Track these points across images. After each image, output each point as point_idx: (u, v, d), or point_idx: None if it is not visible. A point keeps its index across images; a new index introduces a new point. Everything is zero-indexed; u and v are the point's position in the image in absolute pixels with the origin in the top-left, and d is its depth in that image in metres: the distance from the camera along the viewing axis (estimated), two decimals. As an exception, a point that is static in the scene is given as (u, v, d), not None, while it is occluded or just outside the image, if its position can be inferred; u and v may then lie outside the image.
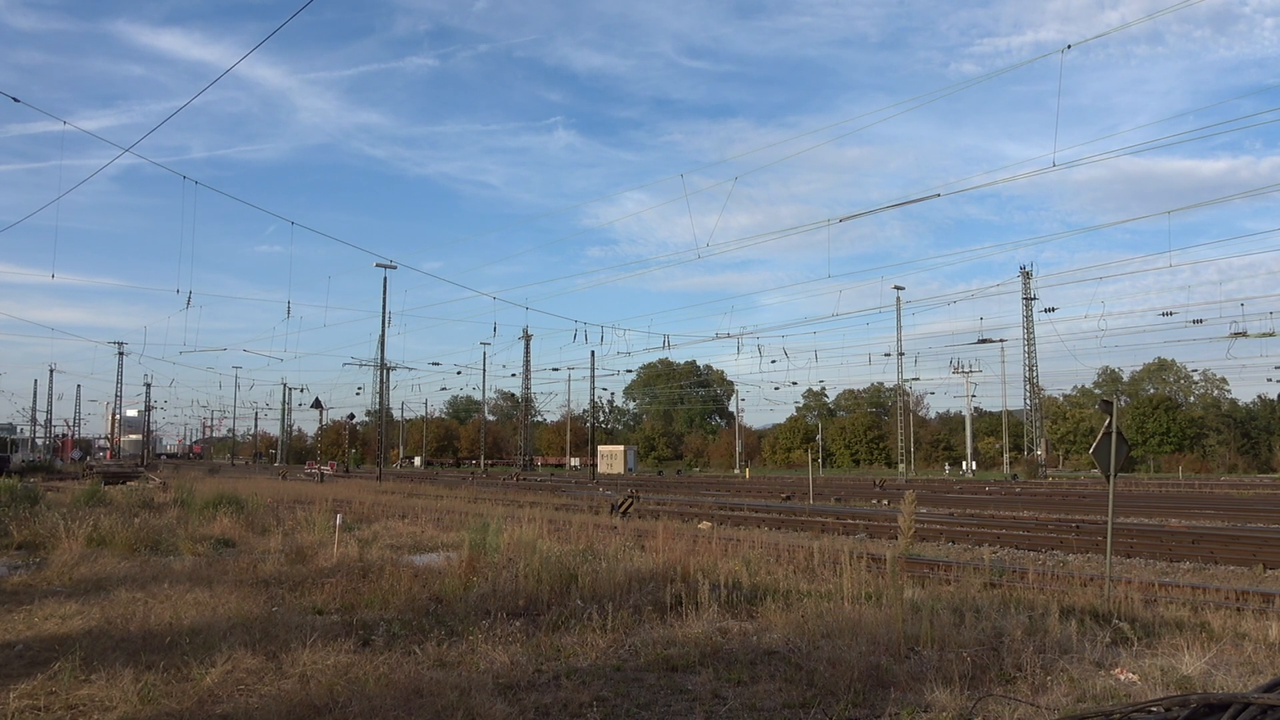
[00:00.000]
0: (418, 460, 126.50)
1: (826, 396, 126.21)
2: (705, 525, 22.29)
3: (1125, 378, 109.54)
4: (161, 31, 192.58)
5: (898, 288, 71.16)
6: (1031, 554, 18.55)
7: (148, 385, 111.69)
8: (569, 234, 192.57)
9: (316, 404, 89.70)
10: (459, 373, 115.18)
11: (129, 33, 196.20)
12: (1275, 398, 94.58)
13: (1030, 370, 75.98)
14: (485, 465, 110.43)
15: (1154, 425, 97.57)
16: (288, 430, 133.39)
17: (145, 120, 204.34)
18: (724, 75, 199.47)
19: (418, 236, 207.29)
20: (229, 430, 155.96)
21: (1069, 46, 22.36)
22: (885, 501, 37.14)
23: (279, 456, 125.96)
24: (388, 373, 71.43)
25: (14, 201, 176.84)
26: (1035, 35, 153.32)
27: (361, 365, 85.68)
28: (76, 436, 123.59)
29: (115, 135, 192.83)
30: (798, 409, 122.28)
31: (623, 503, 27.91)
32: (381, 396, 69.95)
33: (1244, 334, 55.02)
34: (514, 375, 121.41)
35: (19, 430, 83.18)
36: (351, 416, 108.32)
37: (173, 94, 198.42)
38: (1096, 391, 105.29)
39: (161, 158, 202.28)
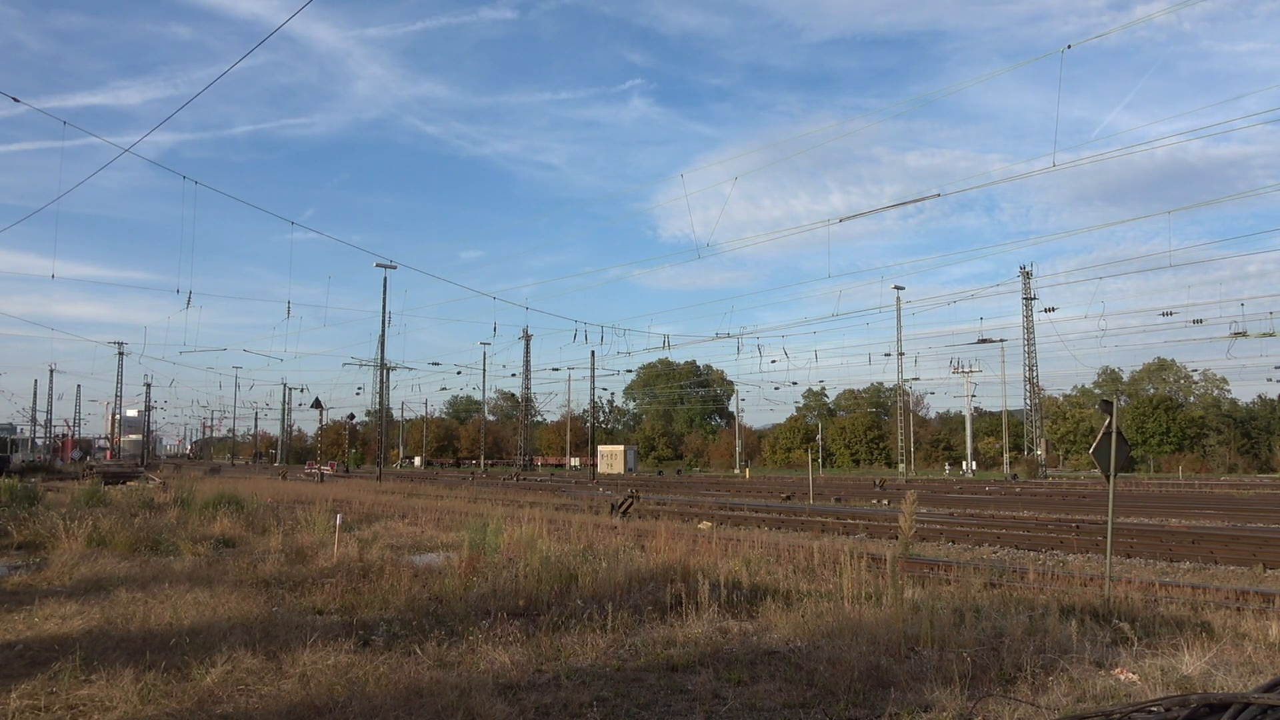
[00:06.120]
0: (418, 460, 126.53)
1: (826, 396, 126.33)
2: (705, 525, 22.29)
3: (1125, 378, 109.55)
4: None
5: (898, 287, 71.25)
6: (1031, 554, 18.54)
7: (148, 385, 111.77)
8: (624, 218, 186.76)
9: (316, 404, 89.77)
10: (459, 373, 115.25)
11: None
12: (1275, 398, 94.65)
13: (1030, 370, 75.99)
14: (485, 465, 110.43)
15: (1154, 425, 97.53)
16: (288, 430, 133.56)
17: (189, 90, 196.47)
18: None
19: (463, 222, 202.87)
20: (229, 430, 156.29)
21: (1069, 46, 22.48)
22: (885, 501, 37.13)
23: (279, 456, 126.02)
24: (388, 373, 71.52)
25: (15, 198, 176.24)
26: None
27: (361, 365, 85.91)
28: (76, 436, 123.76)
29: (155, 108, 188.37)
30: (798, 409, 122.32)
31: (623, 503, 27.91)
32: (381, 396, 70.00)
33: (1244, 334, 55.05)
34: (514, 375, 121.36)
35: (19, 430, 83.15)
36: (351, 416, 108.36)
37: (219, 58, 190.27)
38: (1096, 391, 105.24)
39: (203, 133, 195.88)
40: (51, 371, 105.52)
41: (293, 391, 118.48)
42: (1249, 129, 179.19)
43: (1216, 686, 6.45)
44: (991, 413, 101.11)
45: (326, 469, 78.74)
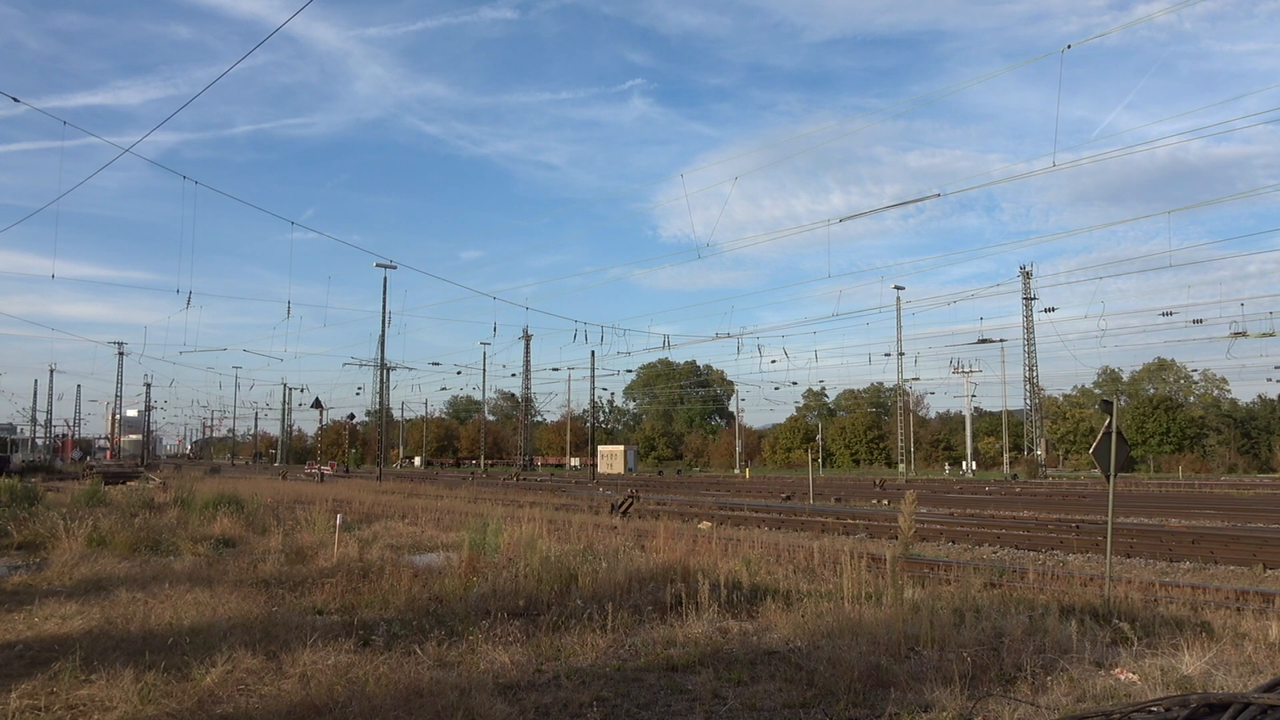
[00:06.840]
0: (418, 460, 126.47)
1: (826, 396, 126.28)
2: (705, 525, 22.28)
3: (1125, 378, 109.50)
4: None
5: (898, 287, 71.20)
6: (1031, 554, 18.55)
7: (148, 385, 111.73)
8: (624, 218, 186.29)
9: (316, 404, 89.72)
10: (459, 373, 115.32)
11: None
12: (1275, 398, 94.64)
13: (1030, 370, 75.97)
14: (485, 465, 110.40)
15: (1154, 425, 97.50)
16: (288, 430, 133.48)
17: (189, 90, 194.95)
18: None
19: (463, 222, 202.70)
20: (229, 430, 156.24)
21: (1069, 46, 22.49)
22: (885, 501, 37.13)
23: (279, 456, 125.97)
24: (388, 373, 71.50)
25: (15, 198, 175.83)
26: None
27: (361, 365, 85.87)
28: (77, 436, 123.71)
29: (155, 108, 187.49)
30: (798, 409, 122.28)
31: (623, 503, 27.91)
32: (382, 396, 70.01)
33: (1244, 334, 55.03)
34: (514, 375, 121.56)
35: (19, 430, 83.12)
36: (351, 416, 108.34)
37: (219, 58, 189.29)
38: (1096, 391, 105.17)
39: (203, 133, 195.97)
40: (51, 371, 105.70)
41: (293, 391, 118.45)
42: (1249, 129, 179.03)
43: (1216, 686, 6.45)
44: (991, 413, 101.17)
45: (326, 469, 78.71)
